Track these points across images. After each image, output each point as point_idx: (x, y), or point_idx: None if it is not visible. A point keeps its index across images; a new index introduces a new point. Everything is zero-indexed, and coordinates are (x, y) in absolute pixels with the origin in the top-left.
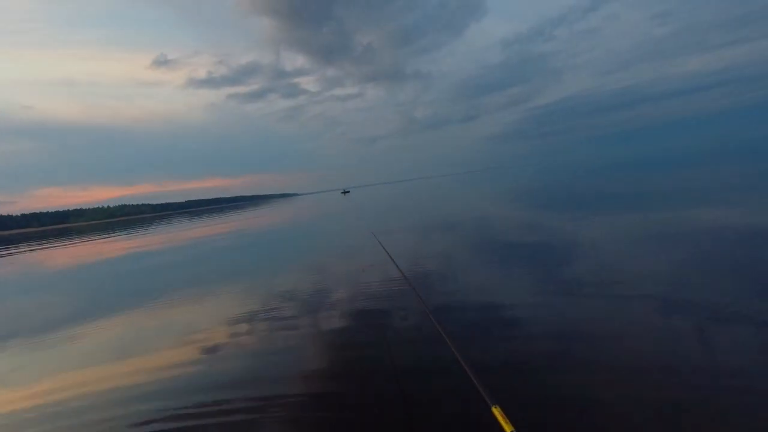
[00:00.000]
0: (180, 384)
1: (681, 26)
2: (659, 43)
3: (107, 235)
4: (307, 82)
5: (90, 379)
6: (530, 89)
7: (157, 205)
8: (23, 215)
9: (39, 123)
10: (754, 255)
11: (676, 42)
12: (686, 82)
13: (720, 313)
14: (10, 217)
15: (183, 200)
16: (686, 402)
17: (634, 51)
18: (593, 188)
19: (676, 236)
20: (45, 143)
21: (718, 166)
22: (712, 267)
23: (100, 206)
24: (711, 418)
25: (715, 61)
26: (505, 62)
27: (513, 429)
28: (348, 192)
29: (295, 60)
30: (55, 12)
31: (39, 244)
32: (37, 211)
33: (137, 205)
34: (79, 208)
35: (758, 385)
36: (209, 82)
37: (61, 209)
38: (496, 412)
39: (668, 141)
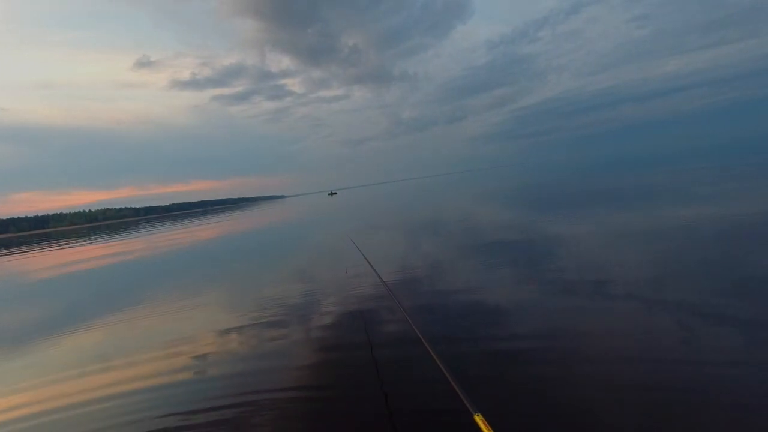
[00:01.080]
0: (161, 382)
1: (659, 29)
2: (639, 45)
3: (89, 240)
4: (293, 84)
5: (65, 390)
6: (515, 90)
7: (140, 208)
8: (0, 220)
9: (15, 126)
10: (732, 252)
11: (655, 44)
12: (665, 83)
13: (701, 308)
14: None
15: (167, 203)
16: (676, 414)
17: (614, 53)
18: (575, 188)
19: (656, 234)
20: (22, 146)
21: (695, 164)
22: (691, 264)
23: (82, 210)
24: (699, 417)
25: (693, 63)
26: (491, 63)
27: None
28: (335, 194)
29: (281, 61)
30: (27, 12)
31: (17, 251)
32: (15, 216)
33: (119, 209)
34: (59, 212)
35: (739, 377)
36: (193, 84)
37: (40, 214)
38: (479, 420)
39: (649, 140)
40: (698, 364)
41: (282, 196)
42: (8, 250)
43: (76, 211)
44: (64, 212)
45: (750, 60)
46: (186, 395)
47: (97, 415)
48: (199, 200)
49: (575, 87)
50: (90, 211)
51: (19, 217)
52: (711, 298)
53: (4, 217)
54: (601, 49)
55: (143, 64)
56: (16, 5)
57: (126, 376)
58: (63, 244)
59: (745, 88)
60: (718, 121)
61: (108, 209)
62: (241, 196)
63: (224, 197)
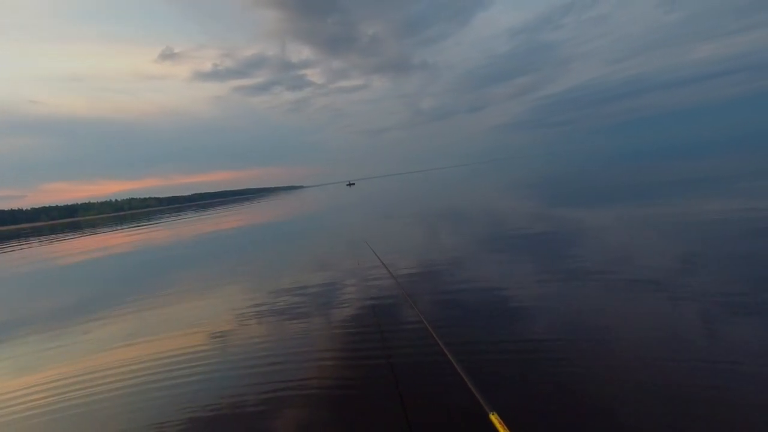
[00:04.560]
0: (185, 370)
1: (692, 12)
2: (669, 30)
3: (117, 229)
4: (313, 74)
5: (91, 371)
6: (538, 79)
7: (163, 198)
8: (33, 209)
9: (46, 118)
10: (761, 247)
11: (687, 28)
12: (696, 70)
13: (727, 302)
14: (20, 211)
15: (189, 193)
16: (695, 408)
17: (643, 38)
18: (599, 179)
19: (681, 226)
20: (52, 138)
21: (727, 155)
22: (717, 256)
23: (108, 200)
24: (719, 412)
25: (727, 48)
26: (513, 51)
27: None
28: (353, 184)
29: (301, 52)
30: (58, 6)
31: (49, 239)
32: (47, 205)
33: (144, 198)
34: (87, 201)
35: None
36: (215, 75)
37: (70, 203)
38: (494, 419)
39: (677, 130)
40: (723, 363)
41: (301, 187)
42: (46, 237)
43: (104, 200)
44: (92, 201)
45: None
46: (207, 379)
47: (126, 396)
48: (220, 190)
49: (601, 75)
50: (116, 200)
51: (50, 206)
52: (739, 295)
53: (37, 206)
54: (628, 35)
55: (167, 56)
56: (49, 0)
57: (150, 359)
58: (95, 232)
59: None
60: (756, 109)
61: (133, 199)
62: (261, 186)
63: (244, 187)
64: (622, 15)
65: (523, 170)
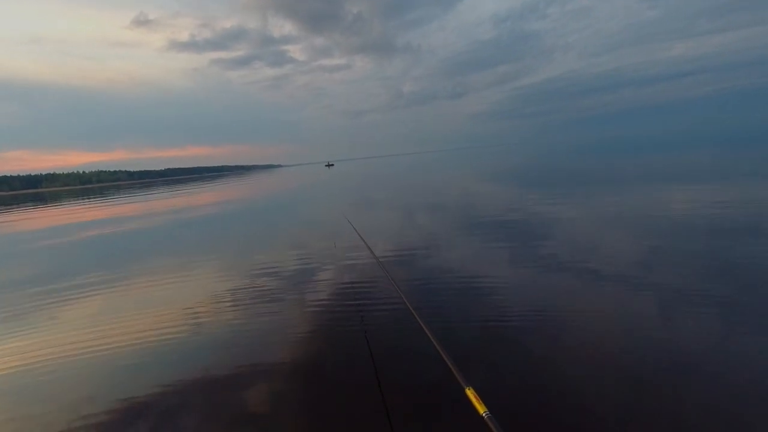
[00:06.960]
0: (157, 355)
1: (670, 10)
2: (646, 27)
3: (88, 201)
4: (294, 51)
5: (59, 344)
6: (519, 68)
7: (134, 172)
8: None
9: (2, 81)
10: (712, 239)
11: (663, 26)
12: (670, 68)
13: (685, 294)
14: None
15: (162, 168)
16: (657, 388)
17: (622, 33)
18: (571, 170)
19: (641, 218)
20: (10, 103)
21: (693, 151)
22: (681, 250)
23: (75, 171)
24: (674, 397)
25: (699, 48)
26: (496, 39)
27: (486, 410)
28: (332, 165)
29: (283, 27)
30: None
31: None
32: (7, 175)
33: (113, 171)
34: (51, 172)
35: (720, 358)
36: (191, 46)
37: (32, 173)
38: (470, 393)
39: (648, 125)
40: (680, 343)
41: (279, 166)
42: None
43: (70, 172)
44: (57, 173)
45: (755, 48)
46: (178, 358)
47: (93, 368)
48: (194, 166)
49: (579, 67)
50: (84, 172)
51: (11, 176)
52: (694, 281)
53: None
54: (608, 29)
55: (141, 22)
56: None
57: (120, 338)
58: (58, 205)
59: (748, 77)
60: (722, 110)
61: (102, 171)
62: (237, 164)
63: (220, 164)
64: (603, 9)
65: (499, 159)
